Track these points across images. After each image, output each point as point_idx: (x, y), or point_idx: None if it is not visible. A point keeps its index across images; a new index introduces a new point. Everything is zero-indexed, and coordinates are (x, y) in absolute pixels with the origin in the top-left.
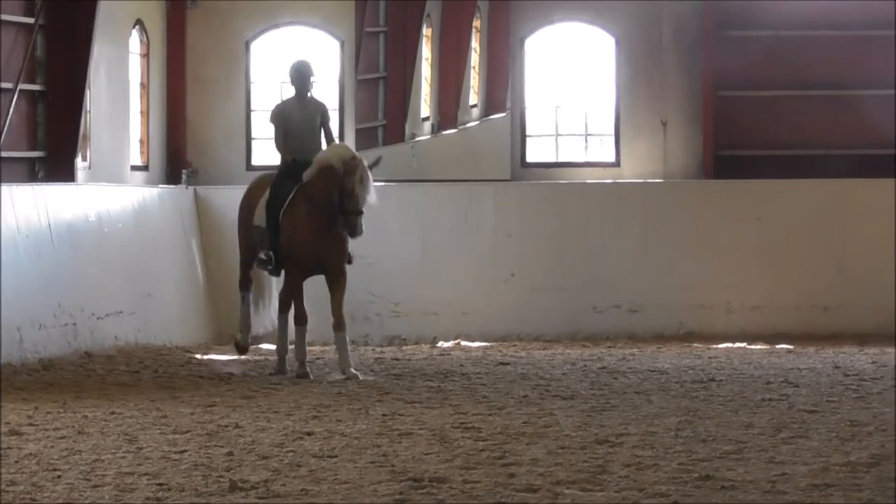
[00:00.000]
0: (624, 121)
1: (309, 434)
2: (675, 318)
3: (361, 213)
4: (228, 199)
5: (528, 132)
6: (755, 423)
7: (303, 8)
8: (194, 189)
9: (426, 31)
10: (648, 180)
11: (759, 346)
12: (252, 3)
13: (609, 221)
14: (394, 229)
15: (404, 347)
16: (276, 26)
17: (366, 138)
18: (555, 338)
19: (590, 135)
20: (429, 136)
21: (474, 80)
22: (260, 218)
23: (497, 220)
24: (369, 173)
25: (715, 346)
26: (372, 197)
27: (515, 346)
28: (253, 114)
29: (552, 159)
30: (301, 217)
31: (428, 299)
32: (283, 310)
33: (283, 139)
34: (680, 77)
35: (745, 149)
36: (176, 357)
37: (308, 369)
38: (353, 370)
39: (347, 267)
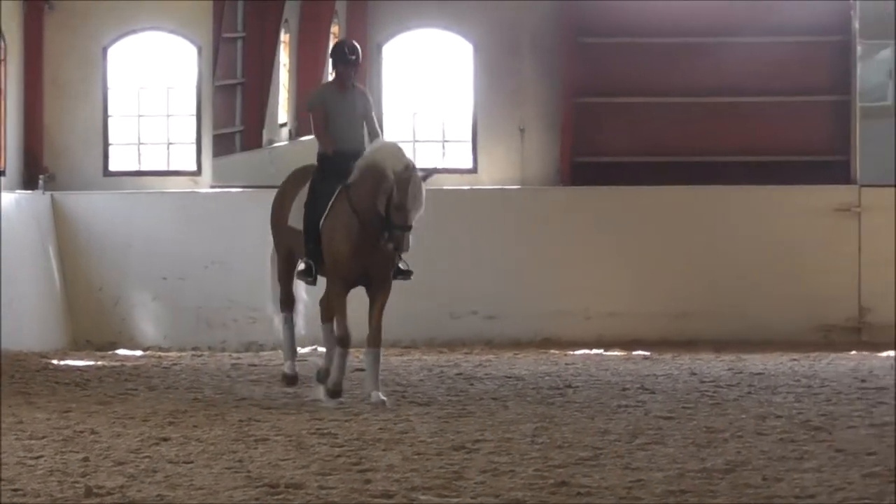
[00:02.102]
0: (481, 127)
1: (165, 440)
2: (532, 324)
3: (410, 228)
4: (85, 204)
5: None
6: (611, 429)
7: (160, 13)
8: (51, 194)
9: (284, 37)
10: (506, 187)
11: (615, 353)
12: (109, 9)
13: (467, 228)
14: (252, 236)
15: (261, 353)
16: (134, 31)
17: (223, 144)
18: (411, 344)
19: (447, 141)
20: (286, 142)
21: None
22: (296, 219)
23: None
24: (422, 186)
25: (572, 352)
26: (422, 210)
27: None
28: (110, 119)
29: None
30: (346, 225)
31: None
32: (326, 318)
33: (322, 128)
34: (538, 83)
35: (602, 155)
36: (32, 363)
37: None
38: (379, 395)
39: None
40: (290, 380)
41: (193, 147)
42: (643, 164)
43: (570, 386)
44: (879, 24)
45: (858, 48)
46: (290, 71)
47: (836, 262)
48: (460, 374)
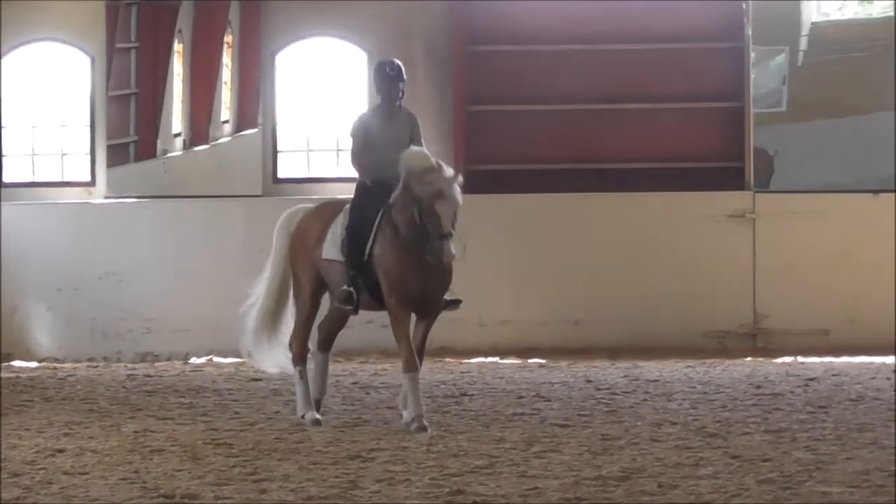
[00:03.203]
0: None
1: (60, 451)
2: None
3: (448, 235)
4: None
5: (279, 148)
6: (507, 437)
7: (54, 24)
8: None
9: (177, 47)
10: None
11: (511, 361)
12: (2, 19)
13: None
14: (145, 245)
15: (157, 364)
16: (27, 42)
17: (117, 155)
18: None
19: (341, 150)
20: (181, 152)
21: (226, 95)
22: (331, 251)
23: (249, 235)
24: (452, 185)
25: (467, 360)
26: (456, 212)
27: None
28: (3, 130)
29: (304, 175)
30: (394, 246)
31: (180, 315)
32: (410, 368)
33: (361, 155)
34: (431, 92)
35: (496, 163)
36: None
37: (425, 423)
38: (423, 419)
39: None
40: (317, 423)
41: (87, 158)
42: (537, 172)
43: (465, 394)
44: (773, 30)
45: (752, 54)
46: (183, 81)
47: (730, 268)
48: (356, 383)
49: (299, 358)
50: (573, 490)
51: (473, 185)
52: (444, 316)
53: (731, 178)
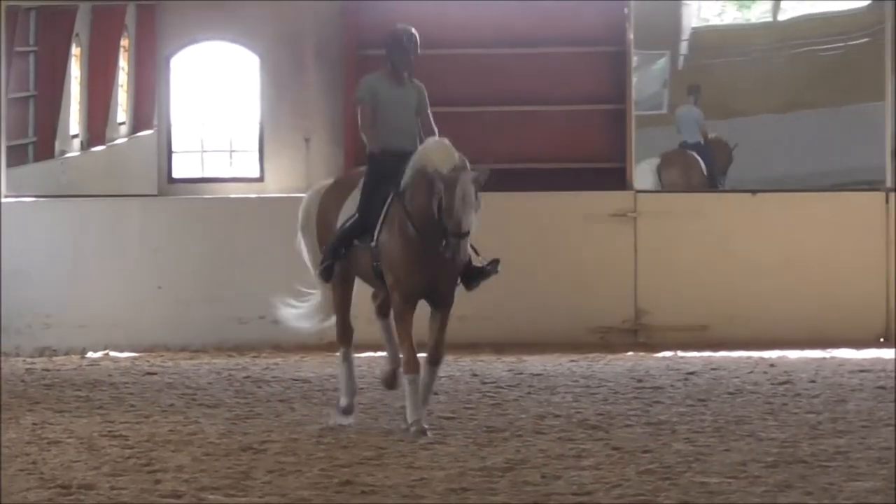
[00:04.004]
0: (268, 137)
1: None
2: (317, 328)
3: (465, 234)
4: None
5: (174, 148)
6: (395, 429)
7: None
8: None
9: (75, 51)
10: (291, 195)
11: (400, 355)
12: None
13: (254, 235)
14: (45, 243)
15: (54, 358)
16: None
17: (16, 155)
18: (201, 348)
19: (234, 151)
20: (78, 153)
21: (122, 98)
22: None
23: (145, 234)
24: (472, 187)
25: (357, 354)
26: (475, 213)
27: (163, 356)
28: None
29: (198, 175)
30: (403, 235)
31: (78, 311)
32: (410, 369)
33: (373, 120)
34: (322, 95)
35: None
36: None
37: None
38: (422, 423)
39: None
40: (349, 413)
41: None
42: None
43: None
44: (654, 35)
45: (634, 58)
46: (81, 83)
47: (612, 266)
48: (248, 377)
49: (342, 339)
50: (459, 481)
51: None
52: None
53: (613, 179)
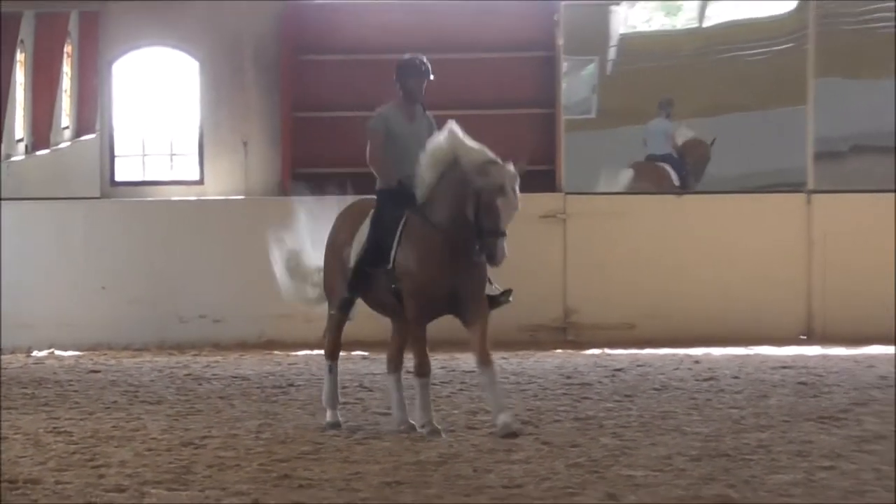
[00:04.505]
0: (207, 141)
1: None
2: (256, 326)
3: (504, 234)
4: None
5: (116, 152)
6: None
7: None
8: None
9: (20, 57)
10: (231, 197)
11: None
12: None
13: (194, 236)
14: None
15: (1, 357)
16: None
17: None
18: (143, 346)
19: (175, 154)
20: (23, 157)
21: (66, 102)
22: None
23: (88, 236)
24: (517, 183)
25: (294, 353)
26: (517, 209)
27: (106, 354)
28: None
29: (140, 178)
30: (426, 246)
31: (24, 311)
32: (421, 373)
33: (384, 154)
34: (260, 99)
35: (320, 167)
36: None
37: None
38: (508, 420)
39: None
40: (335, 426)
41: None
42: (360, 175)
43: (292, 385)
44: (584, 41)
45: (564, 64)
46: (25, 89)
47: (542, 265)
48: (189, 374)
49: (330, 353)
50: (393, 474)
51: (300, 187)
52: (273, 311)
53: (543, 181)
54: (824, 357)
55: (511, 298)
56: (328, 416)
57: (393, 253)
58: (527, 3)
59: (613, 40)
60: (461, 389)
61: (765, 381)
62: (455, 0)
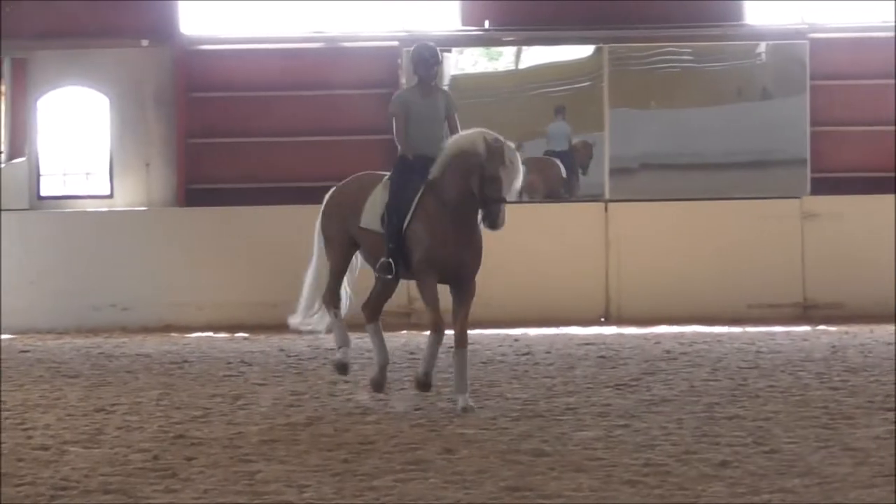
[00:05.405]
0: (117, 162)
1: None
2: (157, 313)
3: (504, 200)
4: None
5: (41, 172)
6: (218, 393)
7: None
8: None
9: None
10: (135, 208)
11: (222, 335)
12: None
13: (106, 240)
14: None
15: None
16: None
17: None
18: (64, 331)
19: (89, 173)
20: None
21: (2, 132)
22: (370, 221)
23: (20, 241)
24: (517, 155)
25: (188, 335)
26: (518, 183)
27: (34, 337)
28: None
29: (61, 193)
30: (436, 219)
31: None
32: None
33: (406, 132)
34: (159, 128)
35: (210, 183)
36: None
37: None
38: (468, 400)
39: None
40: (343, 368)
41: None
42: (242, 189)
43: (186, 361)
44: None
45: None
46: None
47: None
48: (102, 353)
49: (331, 303)
50: (269, 434)
51: (192, 200)
52: (171, 300)
53: None
54: (620, 335)
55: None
56: (338, 354)
57: (407, 220)
58: (376, 48)
59: (446, 81)
60: (324, 364)
61: (572, 355)
62: (318, 45)
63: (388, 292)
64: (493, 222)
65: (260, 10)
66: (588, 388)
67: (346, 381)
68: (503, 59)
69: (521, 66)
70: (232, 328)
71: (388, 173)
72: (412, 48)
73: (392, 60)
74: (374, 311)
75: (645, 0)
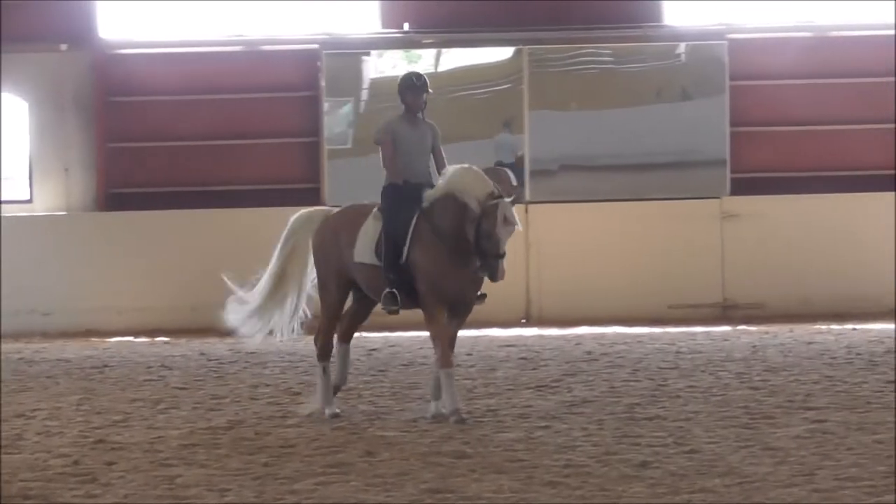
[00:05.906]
0: (36, 167)
1: None
2: (78, 318)
3: (503, 256)
4: None
5: None
6: (138, 397)
7: None
8: None
9: None
10: (55, 213)
11: (142, 339)
12: None
13: (27, 245)
14: None
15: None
16: None
17: None
18: None
19: (8, 178)
20: None
21: None
22: (364, 254)
23: None
24: (512, 210)
25: (109, 339)
26: (514, 231)
27: None
28: None
29: None
30: (434, 250)
31: None
32: (446, 364)
33: (394, 159)
34: (79, 133)
35: (130, 188)
36: None
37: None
38: (460, 413)
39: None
40: (336, 416)
41: None
42: (162, 193)
43: (106, 365)
44: (341, 84)
45: (325, 103)
46: None
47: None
48: (22, 358)
49: (324, 354)
50: (189, 438)
51: (111, 204)
52: (91, 305)
53: (310, 197)
54: (540, 337)
55: (483, 302)
56: (327, 412)
57: (406, 249)
58: (295, 52)
59: (366, 84)
60: (245, 367)
61: (493, 356)
62: (237, 48)
63: (365, 314)
64: (493, 276)
65: (178, 13)
66: (509, 389)
67: (268, 385)
68: (423, 61)
69: (441, 68)
70: (152, 332)
71: (374, 203)
72: (400, 76)
73: (311, 63)
74: (346, 332)
75: (564, 1)
